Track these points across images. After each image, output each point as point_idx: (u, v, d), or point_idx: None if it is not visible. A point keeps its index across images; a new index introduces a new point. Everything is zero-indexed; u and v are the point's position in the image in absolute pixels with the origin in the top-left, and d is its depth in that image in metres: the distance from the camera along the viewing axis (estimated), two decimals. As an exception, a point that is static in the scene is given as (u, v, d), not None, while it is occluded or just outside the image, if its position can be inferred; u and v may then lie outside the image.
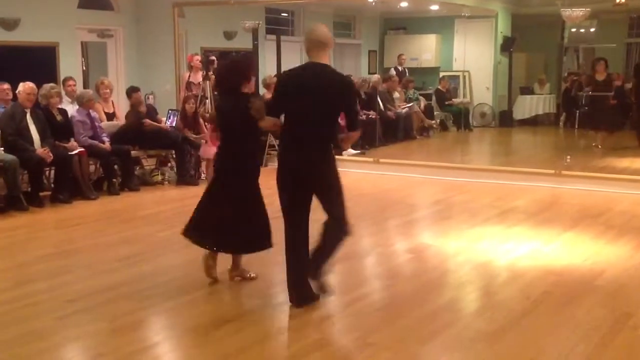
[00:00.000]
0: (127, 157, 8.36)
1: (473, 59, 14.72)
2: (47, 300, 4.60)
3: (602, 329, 4.08)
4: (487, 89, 14.77)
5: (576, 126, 13.12)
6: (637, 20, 14.44)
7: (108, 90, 9.03)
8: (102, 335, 4.06)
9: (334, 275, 5.19)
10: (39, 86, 7.72)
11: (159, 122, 9.05)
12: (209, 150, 9.08)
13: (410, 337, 4.00)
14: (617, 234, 6.24)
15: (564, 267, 5.28)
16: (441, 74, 14.82)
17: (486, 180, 8.78)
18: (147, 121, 8.70)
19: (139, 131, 8.59)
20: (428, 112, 13.72)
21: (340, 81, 4.40)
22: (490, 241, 6.06)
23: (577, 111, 13.09)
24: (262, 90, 10.90)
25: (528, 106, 14.85)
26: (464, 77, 14.92)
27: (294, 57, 13.78)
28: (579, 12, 9.67)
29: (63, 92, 8.75)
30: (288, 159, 4.41)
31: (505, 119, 14.67)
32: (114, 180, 8.23)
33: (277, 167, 4.46)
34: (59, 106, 8.11)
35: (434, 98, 14.31)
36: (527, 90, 15.00)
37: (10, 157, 7.11)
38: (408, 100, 13.45)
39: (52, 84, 8.33)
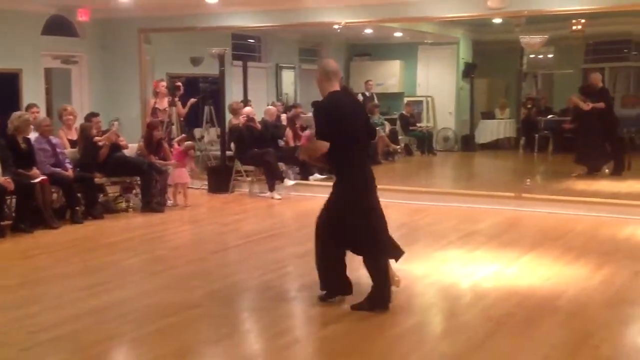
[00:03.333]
0: (90, 184, 8.28)
1: (436, 84, 15.03)
2: (9, 331, 4.52)
3: (564, 348, 4.18)
4: (450, 114, 15.06)
5: (535, 150, 13.41)
6: (593, 47, 14.91)
7: (71, 117, 8.97)
8: (66, 367, 4.01)
9: (301, 301, 5.24)
10: (1, 113, 7.64)
11: (124, 146, 8.99)
12: (182, 174, 9.10)
13: (377, 361, 4.04)
14: (577, 255, 6.40)
15: (526, 289, 5.40)
16: (405, 99, 15.06)
17: (449, 203, 8.93)
18: (97, 138, 8.57)
19: (97, 155, 8.48)
20: (393, 136, 13.90)
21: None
22: (455, 263, 6.16)
23: (536, 135, 13.41)
24: (228, 116, 10.95)
25: (489, 130, 15.15)
26: (427, 102, 15.19)
27: (260, 83, 13.92)
28: (536, 39, 9.95)
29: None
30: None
31: (467, 143, 14.93)
32: (77, 208, 8.14)
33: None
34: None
35: (398, 123, 14.52)
36: (489, 115, 15.31)
37: (-29, 185, 6.99)
38: (374, 125, 13.59)
39: (23, 112, 8.26)
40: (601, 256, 6.33)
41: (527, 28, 10.30)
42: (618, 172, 10.59)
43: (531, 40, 10.08)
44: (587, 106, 10.57)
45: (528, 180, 9.74)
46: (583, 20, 11.03)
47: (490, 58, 14.76)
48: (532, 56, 14.18)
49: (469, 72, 14.84)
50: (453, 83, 14.93)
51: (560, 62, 14.65)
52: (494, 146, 15.08)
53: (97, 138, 8.57)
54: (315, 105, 5.23)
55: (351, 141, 4.81)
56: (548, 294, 5.24)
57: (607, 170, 10.67)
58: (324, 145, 4.75)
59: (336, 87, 4.91)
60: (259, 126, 10.19)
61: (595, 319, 4.75)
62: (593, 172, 10.65)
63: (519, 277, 5.73)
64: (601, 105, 10.48)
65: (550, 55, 14.89)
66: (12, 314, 4.86)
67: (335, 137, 4.74)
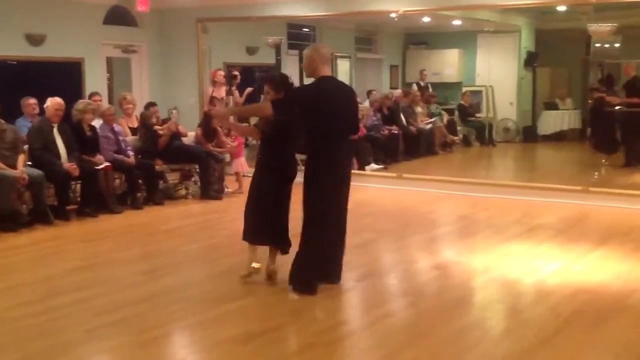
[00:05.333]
0: (151, 171, 8.40)
1: (496, 73, 14.65)
2: (74, 313, 4.60)
3: (636, 349, 4.00)
4: (511, 104, 14.68)
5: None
6: (663, 36, 14.28)
7: (131, 106, 9.10)
8: (128, 349, 4.05)
9: (358, 292, 5.17)
10: (65, 101, 7.80)
11: (183, 134, 9.09)
12: (240, 162, 9.21)
13: (440, 354, 3.95)
14: (648, 251, 6.13)
15: (595, 286, 5.18)
16: (464, 89, 14.76)
17: (511, 196, 8.68)
18: (158, 127, 8.72)
19: (156, 143, 8.62)
20: (451, 127, 13.66)
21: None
22: (518, 259, 5.97)
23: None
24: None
25: (553, 121, 14.71)
26: (487, 92, 14.85)
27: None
28: (605, 27, 9.59)
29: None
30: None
31: (529, 135, 14.54)
32: (138, 194, 8.28)
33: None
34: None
35: (456, 113, 14.25)
36: (552, 106, 14.87)
37: (36, 171, 7.17)
38: (431, 115, 13.40)
39: (87, 100, 8.48)
40: (674, 253, 6.05)
41: (593, 16, 9.93)
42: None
43: (599, 28, 9.72)
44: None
45: (596, 172, 9.39)
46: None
47: (553, 47, 14.30)
48: (597, 45, 13.68)
49: (531, 61, 14.44)
50: (514, 72, 14.53)
51: (629, 52, 14.06)
52: (558, 137, 14.63)
53: (157, 127, 8.70)
54: (310, 84, 5.04)
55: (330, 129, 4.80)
56: (618, 292, 5.02)
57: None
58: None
59: (328, 72, 4.94)
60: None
61: (669, 318, 4.54)
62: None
63: (586, 274, 5.51)
64: None
65: (617, 45, 14.31)
66: (78, 296, 4.95)
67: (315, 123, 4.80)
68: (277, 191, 5.07)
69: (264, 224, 5.09)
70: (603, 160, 10.79)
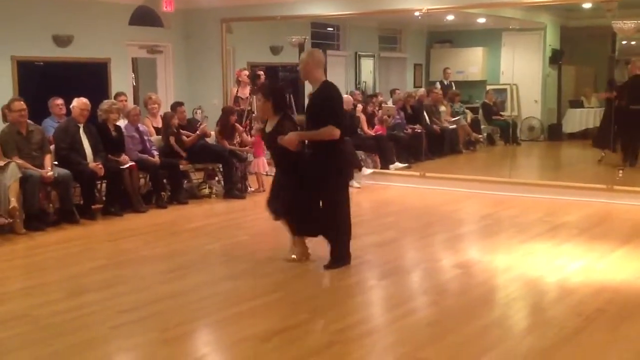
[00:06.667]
0: (175, 170, 8.50)
1: (521, 71, 14.48)
2: (100, 310, 4.69)
3: (660, 348, 3.96)
4: (536, 102, 14.53)
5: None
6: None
7: (156, 105, 9.21)
8: (153, 346, 4.12)
9: (380, 290, 5.19)
10: (92, 101, 7.92)
11: (207, 135, 9.17)
12: (260, 162, 9.25)
13: (461, 352, 3.95)
14: (674, 250, 6.05)
15: (618, 285, 5.14)
16: (488, 87, 14.66)
17: (535, 195, 8.61)
18: (186, 133, 8.84)
19: (180, 144, 8.71)
20: (475, 125, 13.57)
21: None
22: (541, 257, 5.94)
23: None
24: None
25: (578, 119, 14.53)
26: (512, 90, 14.73)
27: (339, 71, 13.85)
28: (631, 24, 9.45)
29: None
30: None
31: (554, 133, 14.39)
32: (163, 193, 8.38)
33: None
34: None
35: (480, 111, 14.16)
36: (577, 104, 14.70)
37: (63, 171, 7.30)
38: (454, 114, 13.34)
39: (112, 100, 8.61)
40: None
41: (619, 13, 9.80)
42: None
43: (625, 25, 9.58)
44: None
45: (620, 171, 9.28)
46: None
47: (579, 44, 14.14)
48: (624, 42, 13.48)
49: (556, 59, 14.27)
50: (539, 70, 14.38)
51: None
52: (583, 136, 14.45)
53: (183, 132, 8.79)
54: (329, 92, 5.49)
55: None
56: (642, 291, 4.98)
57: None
58: (337, 132, 5.29)
59: (323, 76, 5.45)
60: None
61: (695, 318, 4.48)
62: None
63: (610, 273, 5.46)
64: None
65: (643, 42, 14.10)
66: (103, 293, 5.04)
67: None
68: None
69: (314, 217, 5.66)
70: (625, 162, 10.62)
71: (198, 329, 4.45)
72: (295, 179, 5.53)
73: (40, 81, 9.47)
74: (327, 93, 5.44)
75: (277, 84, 5.85)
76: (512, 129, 13.99)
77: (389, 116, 11.41)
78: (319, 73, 5.46)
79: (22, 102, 7.26)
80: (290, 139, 5.35)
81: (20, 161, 6.99)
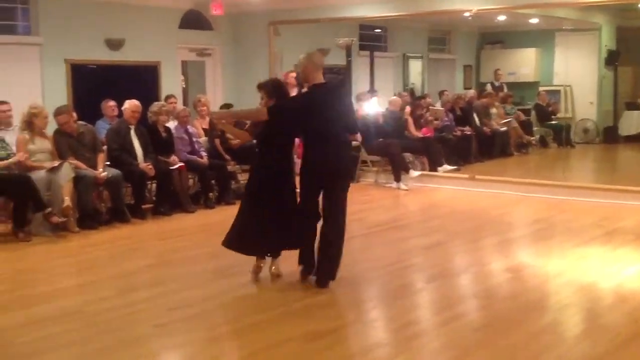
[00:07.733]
0: (223, 171, 8.56)
1: (575, 73, 14.16)
2: (148, 308, 4.75)
3: None
4: (591, 104, 14.15)
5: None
6: None
7: (205, 107, 9.29)
8: (198, 345, 4.13)
9: (428, 293, 5.11)
10: (142, 103, 8.06)
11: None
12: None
13: (511, 358, 3.85)
14: None
15: (678, 292, 4.93)
16: (540, 89, 14.35)
17: (590, 198, 8.36)
18: (231, 136, 8.83)
19: (228, 145, 8.75)
20: (526, 127, 13.30)
21: None
22: (595, 262, 5.75)
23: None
24: (356, 106, 10.92)
25: (635, 122, 14.10)
26: (565, 91, 14.38)
27: (386, 73, 13.78)
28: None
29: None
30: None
31: (610, 135, 13.99)
32: (211, 194, 8.45)
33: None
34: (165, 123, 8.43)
35: (533, 113, 13.86)
36: (634, 106, 14.26)
37: (115, 171, 7.44)
38: (507, 115, 13.10)
39: (162, 102, 8.75)
40: None
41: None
42: None
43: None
44: None
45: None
46: None
47: (636, 45, 13.71)
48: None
49: (612, 60, 13.87)
50: (594, 72, 14.01)
51: None
52: (640, 138, 14.02)
53: (229, 136, 8.83)
54: (302, 95, 5.40)
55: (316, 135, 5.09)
56: None
57: None
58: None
59: (321, 78, 5.17)
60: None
61: None
62: None
63: (669, 279, 5.25)
64: None
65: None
66: (152, 291, 5.11)
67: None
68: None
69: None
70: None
71: (243, 328, 4.44)
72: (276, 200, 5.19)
73: (93, 84, 9.70)
74: (300, 95, 5.34)
75: (279, 83, 5.57)
76: (565, 131, 13.66)
77: (436, 119, 11.28)
78: (317, 76, 5.19)
79: (64, 115, 7.29)
80: (220, 112, 5.26)
81: (74, 161, 7.16)
